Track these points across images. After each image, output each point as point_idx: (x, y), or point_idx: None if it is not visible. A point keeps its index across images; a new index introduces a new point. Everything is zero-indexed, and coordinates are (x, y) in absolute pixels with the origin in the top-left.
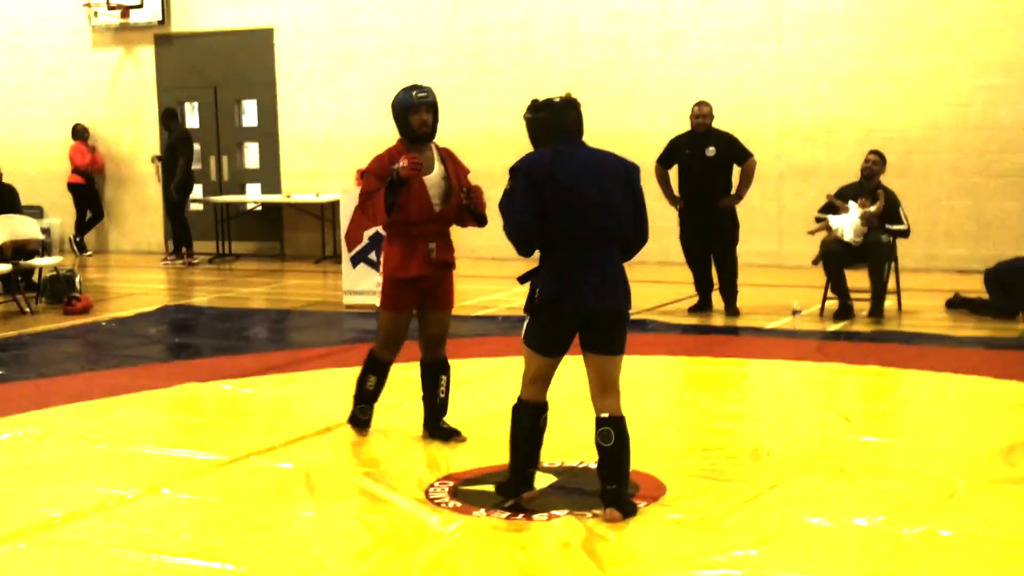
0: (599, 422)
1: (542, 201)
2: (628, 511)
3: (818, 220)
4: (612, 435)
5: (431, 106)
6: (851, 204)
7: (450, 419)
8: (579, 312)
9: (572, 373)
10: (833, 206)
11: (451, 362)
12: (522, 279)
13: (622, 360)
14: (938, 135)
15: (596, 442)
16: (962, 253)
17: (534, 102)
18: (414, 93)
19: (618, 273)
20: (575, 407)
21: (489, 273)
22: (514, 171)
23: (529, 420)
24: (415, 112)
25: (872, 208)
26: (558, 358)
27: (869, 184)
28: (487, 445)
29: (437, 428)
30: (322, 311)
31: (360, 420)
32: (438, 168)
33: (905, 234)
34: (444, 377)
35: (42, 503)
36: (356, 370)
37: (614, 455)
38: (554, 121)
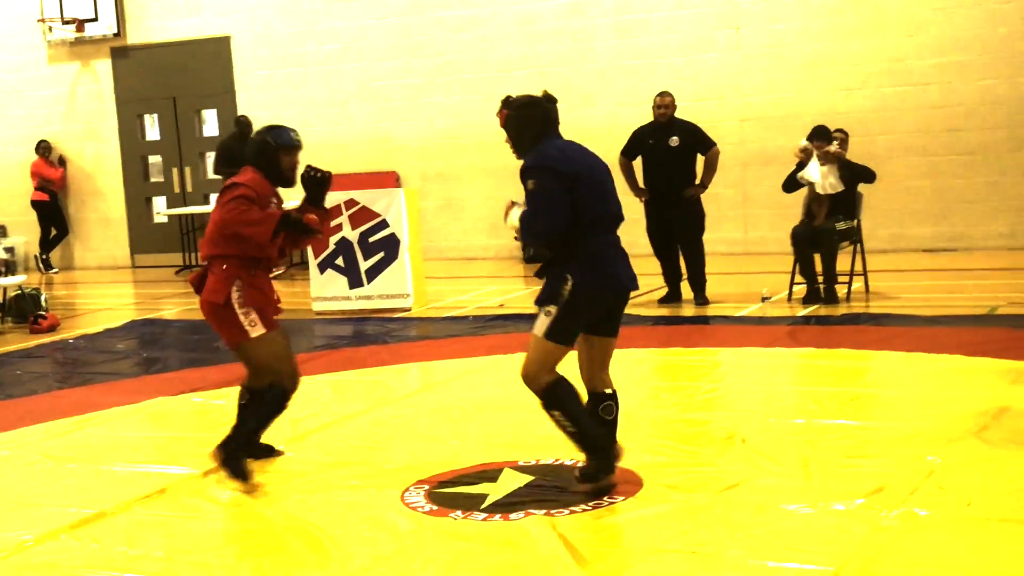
0: (604, 396)
1: (572, 194)
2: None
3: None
4: (614, 409)
5: (300, 150)
6: (811, 149)
7: (427, 418)
8: (619, 294)
9: None
10: (800, 163)
11: (425, 364)
12: (540, 274)
13: None
14: (899, 116)
15: (598, 415)
16: (928, 232)
17: (510, 98)
18: (292, 134)
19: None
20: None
21: (458, 274)
22: (536, 169)
23: (570, 391)
24: (289, 153)
25: (829, 148)
26: (572, 346)
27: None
28: (461, 447)
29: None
30: (290, 319)
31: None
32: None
33: (871, 175)
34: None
35: (13, 526)
36: (329, 377)
37: (615, 426)
38: (547, 115)
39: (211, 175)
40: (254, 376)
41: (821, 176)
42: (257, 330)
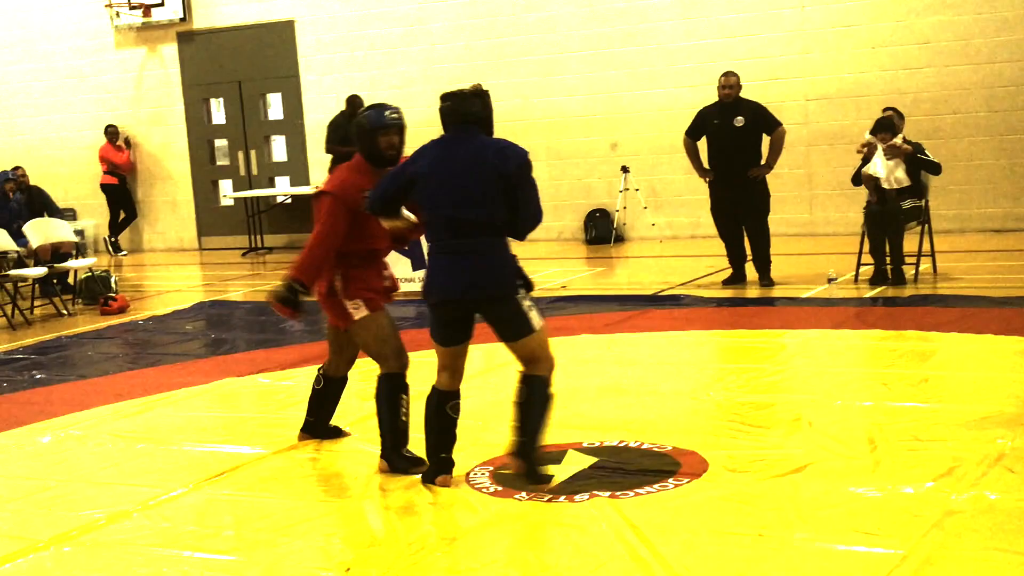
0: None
1: (405, 191)
2: (531, 472)
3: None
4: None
5: (401, 129)
6: (875, 143)
7: (490, 399)
8: (445, 301)
9: (602, 355)
10: (865, 158)
11: (487, 345)
12: None
13: (534, 338)
14: (967, 94)
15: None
16: (997, 212)
17: (445, 93)
18: (387, 113)
19: (483, 262)
20: (611, 390)
21: (520, 255)
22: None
23: (434, 407)
24: (385, 133)
25: (895, 141)
26: (454, 348)
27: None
28: None
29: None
30: None
31: (414, 459)
32: None
33: (937, 166)
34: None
35: (85, 505)
36: None
37: (525, 408)
38: (455, 110)
39: (276, 158)
40: (345, 361)
41: (887, 171)
42: (360, 312)
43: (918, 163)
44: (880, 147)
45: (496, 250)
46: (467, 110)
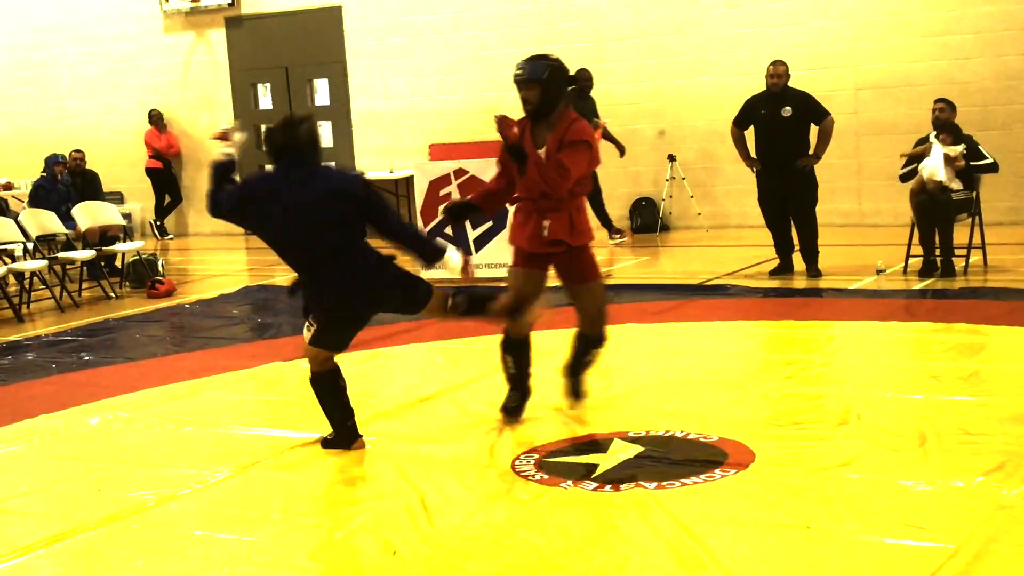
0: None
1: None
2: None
3: (907, 167)
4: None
5: (524, 83)
6: (933, 143)
7: (535, 387)
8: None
9: (648, 344)
10: (915, 156)
11: (533, 333)
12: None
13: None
14: (1018, 84)
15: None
16: None
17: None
18: (515, 72)
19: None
20: (657, 379)
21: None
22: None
23: (330, 384)
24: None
25: (956, 150)
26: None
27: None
28: (570, 417)
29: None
30: None
31: (509, 408)
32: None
33: (994, 167)
34: (594, 350)
35: (133, 486)
36: (440, 344)
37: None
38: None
39: (323, 144)
40: (594, 318)
41: (947, 175)
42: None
43: (973, 170)
44: (941, 149)
45: (349, 265)
46: (279, 142)
